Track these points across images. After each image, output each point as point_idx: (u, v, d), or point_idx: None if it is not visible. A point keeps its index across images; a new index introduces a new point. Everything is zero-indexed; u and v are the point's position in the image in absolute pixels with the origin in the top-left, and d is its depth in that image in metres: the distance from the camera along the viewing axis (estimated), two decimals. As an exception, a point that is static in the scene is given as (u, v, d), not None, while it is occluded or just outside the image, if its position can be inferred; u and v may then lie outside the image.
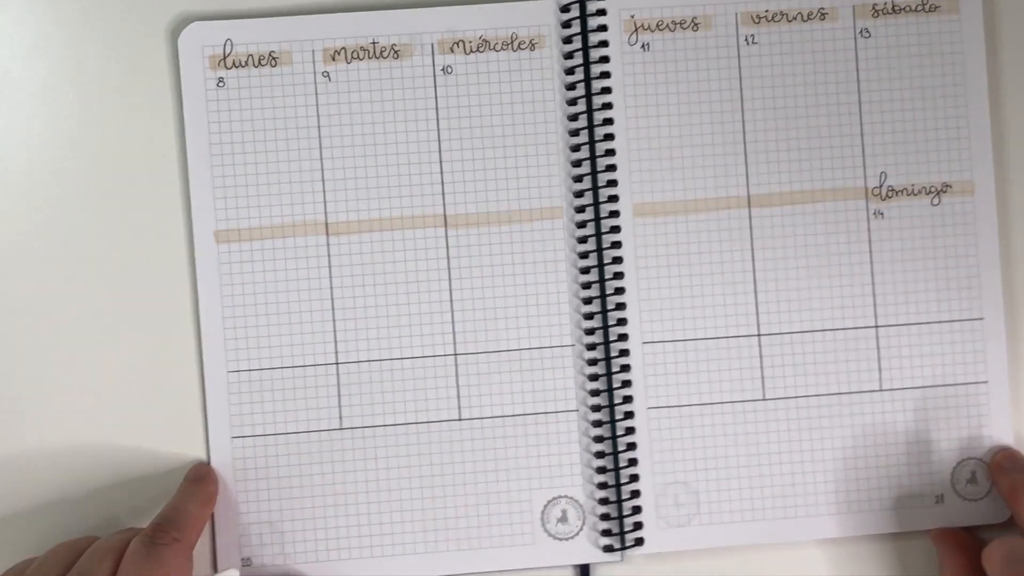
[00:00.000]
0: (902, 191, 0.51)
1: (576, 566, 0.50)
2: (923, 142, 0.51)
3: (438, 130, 0.50)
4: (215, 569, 0.50)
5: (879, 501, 0.50)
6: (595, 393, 0.50)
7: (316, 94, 0.50)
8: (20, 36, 0.50)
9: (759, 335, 0.50)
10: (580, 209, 0.50)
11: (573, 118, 0.50)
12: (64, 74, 0.50)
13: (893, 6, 0.51)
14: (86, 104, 0.50)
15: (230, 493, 0.50)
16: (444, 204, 0.50)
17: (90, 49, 0.50)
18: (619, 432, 0.50)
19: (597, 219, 0.50)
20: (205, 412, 0.50)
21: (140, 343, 0.50)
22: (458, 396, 0.50)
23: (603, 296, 0.50)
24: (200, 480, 0.49)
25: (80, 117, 0.50)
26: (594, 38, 0.50)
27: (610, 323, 0.50)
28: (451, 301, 0.50)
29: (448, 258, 0.50)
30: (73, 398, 0.50)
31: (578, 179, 0.50)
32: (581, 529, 0.50)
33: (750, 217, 0.50)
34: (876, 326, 0.51)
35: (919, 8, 0.51)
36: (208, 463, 0.50)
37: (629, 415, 0.50)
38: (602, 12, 0.50)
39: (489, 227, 0.50)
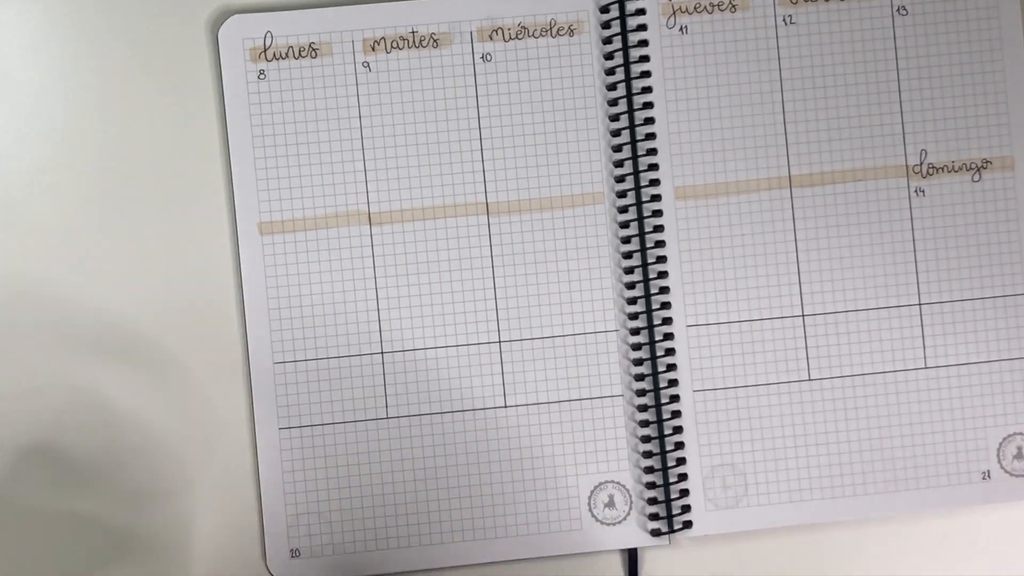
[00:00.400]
0: (943, 168, 0.51)
1: (624, 551, 0.51)
2: (962, 119, 0.51)
3: (479, 118, 0.50)
4: (264, 559, 0.50)
5: (926, 479, 0.50)
6: (640, 377, 0.50)
7: (356, 84, 0.50)
8: (58, 37, 0.51)
9: (803, 315, 0.50)
10: (621, 194, 0.50)
11: (613, 103, 0.50)
12: (105, 72, 0.51)
13: (929, -16, 0.51)
14: (128, 101, 0.50)
15: (278, 484, 0.50)
16: (486, 192, 0.51)
17: (131, 45, 0.50)
18: (665, 416, 0.50)
19: (639, 203, 0.50)
20: (251, 404, 0.50)
21: (187, 336, 0.50)
22: (503, 383, 0.50)
23: (646, 280, 0.50)
24: None
25: (122, 114, 0.50)
26: (632, 22, 0.50)
27: (654, 307, 0.50)
28: (494, 288, 0.50)
29: (491, 246, 0.51)
30: (121, 392, 0.50)
31: (619, 164, 0.50)
32: (628, 514, 0.50)
33: (792, 197, 0.50)
34: (920, 304, 0.51)
35: (955, -14, 0.51)
36: None
37: (675, 398, 0.50)
38: (639, -3, 0.50)
39: (531, 214, 0.51)
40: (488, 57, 0.50)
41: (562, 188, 0.51)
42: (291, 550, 0.50)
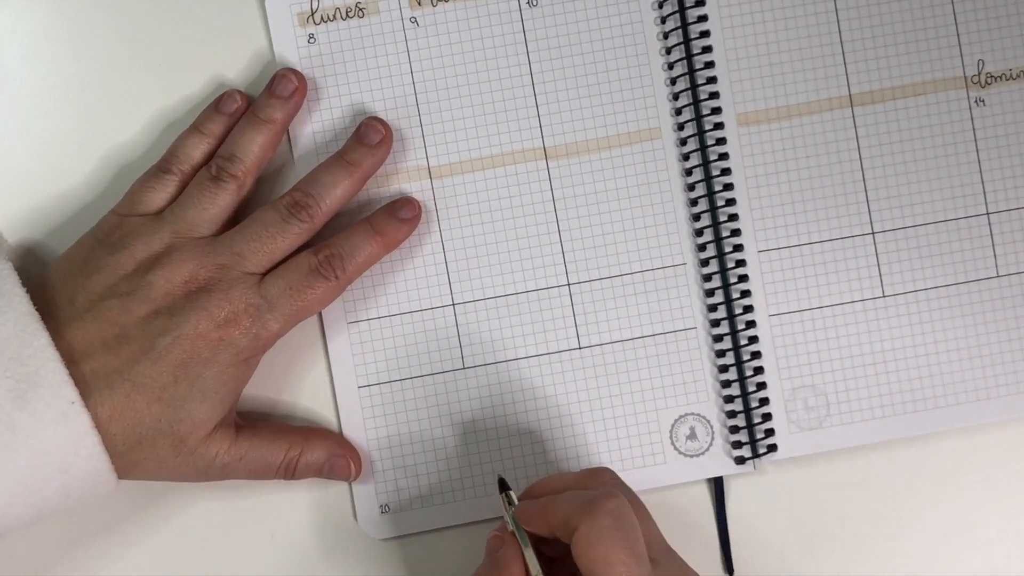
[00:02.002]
0: (1000, 77, 0.51)
1: (710, 480, 0.51)
2: (1017, 26, 0.50)
3: (529, 63, 0.50)
4: (355, 517, 0.50)
5: (1005, 387, 0.51)
6: (714, 307, 0.50)
7: (406, 40, 0.50)
8: (105, 14, 0.51)
9: (873, 233, 0.50)
10: (681, 126, 0.50)
11: (666, 36, 0.50)
12: (162, 52, 0.51)
13: None
14: (181, 75, 0.51)
15: (362, 442, 0.50)
16: (543, 136, 0.51)
17: (180, 21, 0.50)
18: (742, 343, 0.50)
19: (701, 133, 0.50)
20: (329, 364, 0.51)
21: (259, 303, 0.51)
22: (575, 325, 0.51)
23: (713, 209, 0.50)
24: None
25: (176, 87, 0.51)
26: (679, -47, 0.50)
27: (723, 235, 0.50)
28: (559, 232, 0.51)
29: (552, 190, 0.51)
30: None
31: (675, 96, 0.50)
32: (711, 444, 0.50)
33: (853, 116, 0.50)
34: (987, 213, 0.51)
35: None
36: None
37: (751, 324, 0.50)
38: (684, -73, 0.50)
39: (589, 155, 0.51)
40: (534, 2, 0.50)
41: (619, 127, 0.51)
42: (380, 506, 0.50)
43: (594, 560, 0.41)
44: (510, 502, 0.44)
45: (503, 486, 0.45)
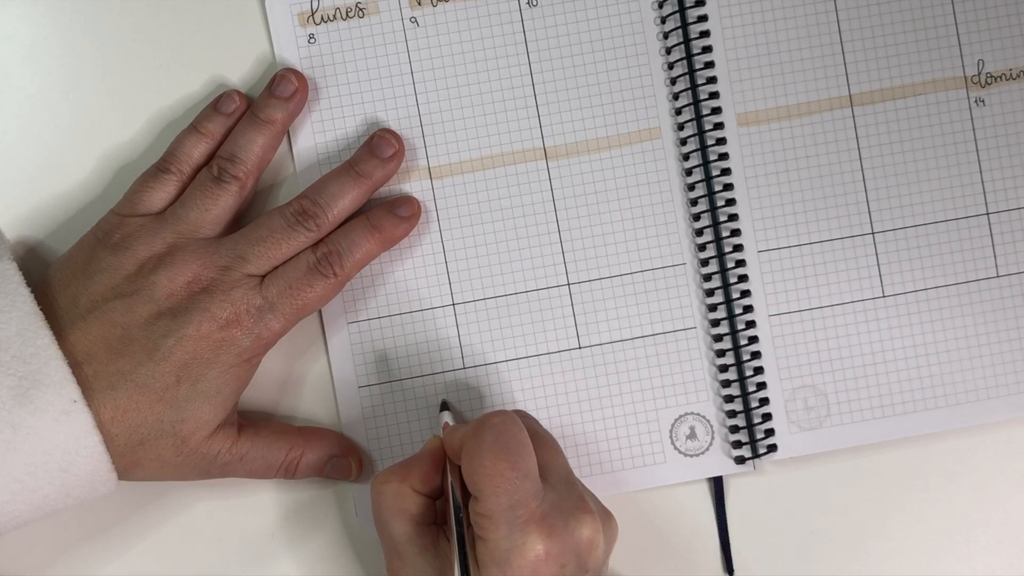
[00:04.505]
0: (1000, 77, 0.51)
1: (709, 480, 0.51)
2: (1017, 26, 0.50)
3: (529, 63, 0.50)
4: (356, 514, 0.50)
5: (1005, 387, 0.51)
6: (714, 307, 0.50)
7: (406, 40, 0.50)
8: (111, 18, 0.51)
9: (873, 233, 0.50)
10: (681, 126, 0.50)
11: (666, 36, 0.50)
12: (159, 50, 0.51)
13: None
14: (181, 75, 0.51)
15: (363, 442, 0.50)
16: (543, 136, 0.51)
17: (180, 20, 0.50)
18: (742, 343, 0.50)
19: (701, 133, 0.50)
20: (329, 364, 0.51)
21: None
22: (575, 324, 0.51)
23: (713, 209, 0.50)
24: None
25: (176, 87, 0.51)
26: (679, -46, 0.50)
27: (723, 235, 0.50)
28: (559, 232, 0.51)
29: (552, 190, 0.51)
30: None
31: (675, 96, 0.50)
32: (711, 444, 0.51)
33: (853, 116, 0.50)
34: (987, 213, 0.51)
35: None
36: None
37: (751, 324, 0.50)
38: (684, -73, 0.50)
39: (589, 155, 0.51)
40: (534, 2, 0.50)
41: (619, 127, 0.51)
42: (380, 506, 0.50)
43: (474, 472, 0.42)
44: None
45: (444, 407, 0.49)
